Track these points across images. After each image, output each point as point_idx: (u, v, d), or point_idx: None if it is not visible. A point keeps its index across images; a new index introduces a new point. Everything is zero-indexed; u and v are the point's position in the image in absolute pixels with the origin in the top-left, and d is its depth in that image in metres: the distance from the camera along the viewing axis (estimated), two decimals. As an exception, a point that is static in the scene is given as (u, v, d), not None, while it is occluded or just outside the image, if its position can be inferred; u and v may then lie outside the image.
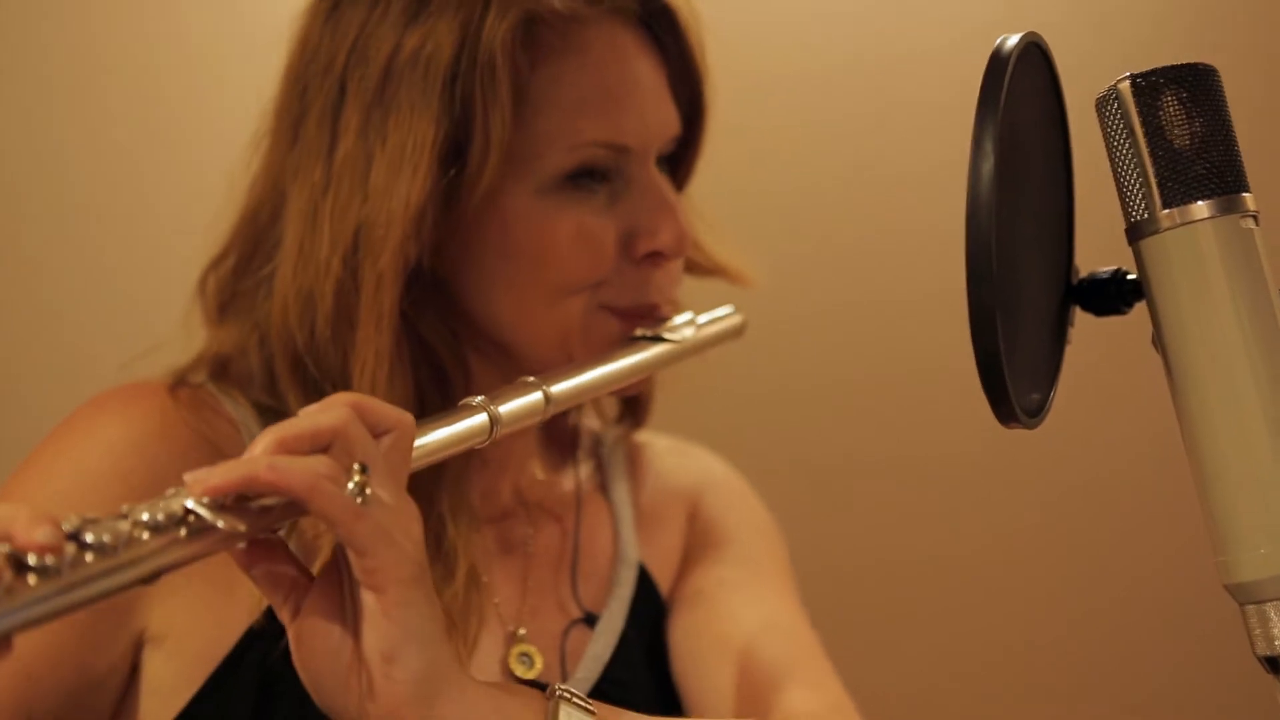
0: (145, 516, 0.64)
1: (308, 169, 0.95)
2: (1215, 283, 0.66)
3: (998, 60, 0.66)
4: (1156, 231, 0.67)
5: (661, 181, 0.99)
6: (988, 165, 0.63)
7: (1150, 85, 0.67)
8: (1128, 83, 0.68)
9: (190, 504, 0.66)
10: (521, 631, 1.01)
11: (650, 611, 1.08)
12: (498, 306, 0.97)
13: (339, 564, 0.73)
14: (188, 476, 0.67)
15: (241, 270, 1.00)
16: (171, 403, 0.95)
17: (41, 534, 0.60)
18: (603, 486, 1.14)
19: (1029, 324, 0.70)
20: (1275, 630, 0.65)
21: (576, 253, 0.95)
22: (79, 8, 1.74)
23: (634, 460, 1.16)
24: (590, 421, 1.17)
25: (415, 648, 0.70)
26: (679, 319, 1.00)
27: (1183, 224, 0.66)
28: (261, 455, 0.68)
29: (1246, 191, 0.67)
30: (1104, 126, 0.69)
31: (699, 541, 1.13)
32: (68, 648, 0.87)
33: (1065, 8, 1.86)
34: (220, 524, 0.66)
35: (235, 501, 0.67)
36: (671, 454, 1.18)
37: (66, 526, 0.61)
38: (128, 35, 1.76)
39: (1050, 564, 1.97)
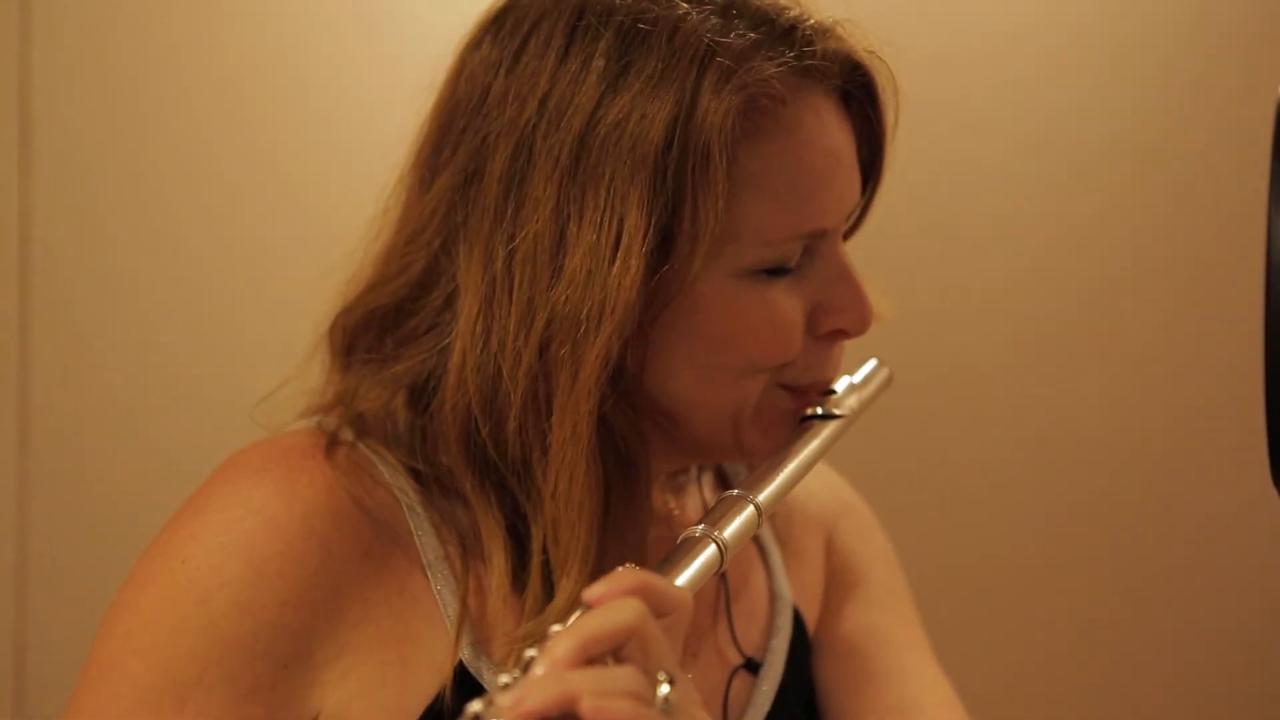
0: None
1: (485, 236, 0.89)
2: None
3: (1289, 106, 0.62)
4: None
5: (848, 258, 0.94)
6: (1290, 224, 0.59)
7: None
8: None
9: None
10: (689, 676, 0.97)
11: (803, 655, 1.06)
12: (677, 385, 0.91)
13: None
14: (501, 699, 0.67)
15: (384, 324, 0.94)
16: (330, 469, 0.89)
17: None
18: None
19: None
20: None
21: (766, 337, 0.90)
22: (114, 20, 1.72)
23: None
24: None
25: None
26: (839, 386, 0.97)
27: None
28: (566, 664, 0.68)
29: None
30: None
31: (837, 578, 1.10)
32: None
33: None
34: None
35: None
36: None
37: None
38: (163, 46, 1.73)
39: (1063, 571, 1.97)
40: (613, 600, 0.72)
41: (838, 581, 1.10)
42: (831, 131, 0.91)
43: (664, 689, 0.70)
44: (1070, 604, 2.00)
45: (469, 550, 0.90)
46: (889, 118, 0.96)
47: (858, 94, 0.94)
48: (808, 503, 1.11)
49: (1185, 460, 2.01)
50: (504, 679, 0.69)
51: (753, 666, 1.01)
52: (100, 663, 0.84)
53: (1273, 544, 1.98)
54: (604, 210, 0.85)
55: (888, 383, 1.03)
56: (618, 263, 0.84)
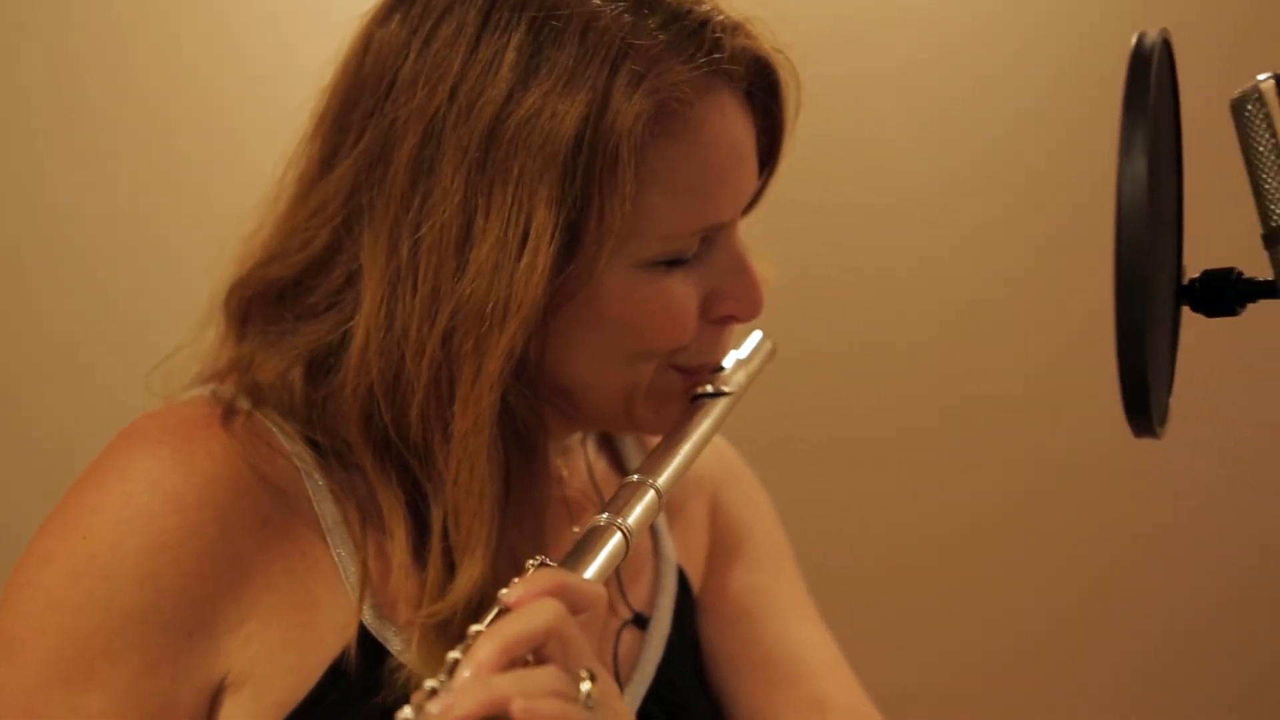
0: None
1: (391, 220, 0.88)
2: (1364, 291, 0.64)
3: (1140, 57, 0.63)
4: (1298, 238, 0.65)
5: (743, 248, 0.96)
6: (1140, 173, 0.61)
7: (1295, 84, 0.64)
8: (1271, 81, 0.65)
9: None
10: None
11: (688, 613, 1.07)
12: (575, 368, 0.92)
13: None
14: (434, 709, 0.70)
15: (283, 297, 0.93)
16: (227, 438, 0.89)
17: None
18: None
19: (1158, 330, 0.68)
20: None
21: (663, 324, 0.92)
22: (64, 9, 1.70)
23: (646, 446, 1.14)
24: None
25: None
26: (728, 363, 0.99)
27: (1328, 231, 0.64)
28: (490, 668, 0.71)
29: (1393, 197, 0.64)
30: (1241, 127, 0.66)
31: (721, 540, 1.12)
32: (151, 700, 0.84)
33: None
34: None
35: None
36: None
37: None
38: (111, 29, 1.71)
39: (1025, 550, 1.99)
40: (530, 602, 0.75)
41: (722, 543, 1.11)
42: (735, 128, 0.92)
43: (586, 685, 0.73)
44: (1030, 586, 2.01)
45: (368, 518, 0.91)
46: (790, 112, 0.96)
47: (761, 90, 0.94)
48: (692, 468, 1.13)
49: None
50: (430, 684, 0.71)
51: (641, 622, 1.03)
52: (4, 640, 0.85)
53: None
54: (512, 205, 0.85)
55: (771, 355, 1.06)
56: (524, 259, 0.85)
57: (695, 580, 1.10)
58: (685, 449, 0.93)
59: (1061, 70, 1.97)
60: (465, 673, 0.71)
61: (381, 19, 0.92)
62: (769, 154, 0.98)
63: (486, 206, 0.86)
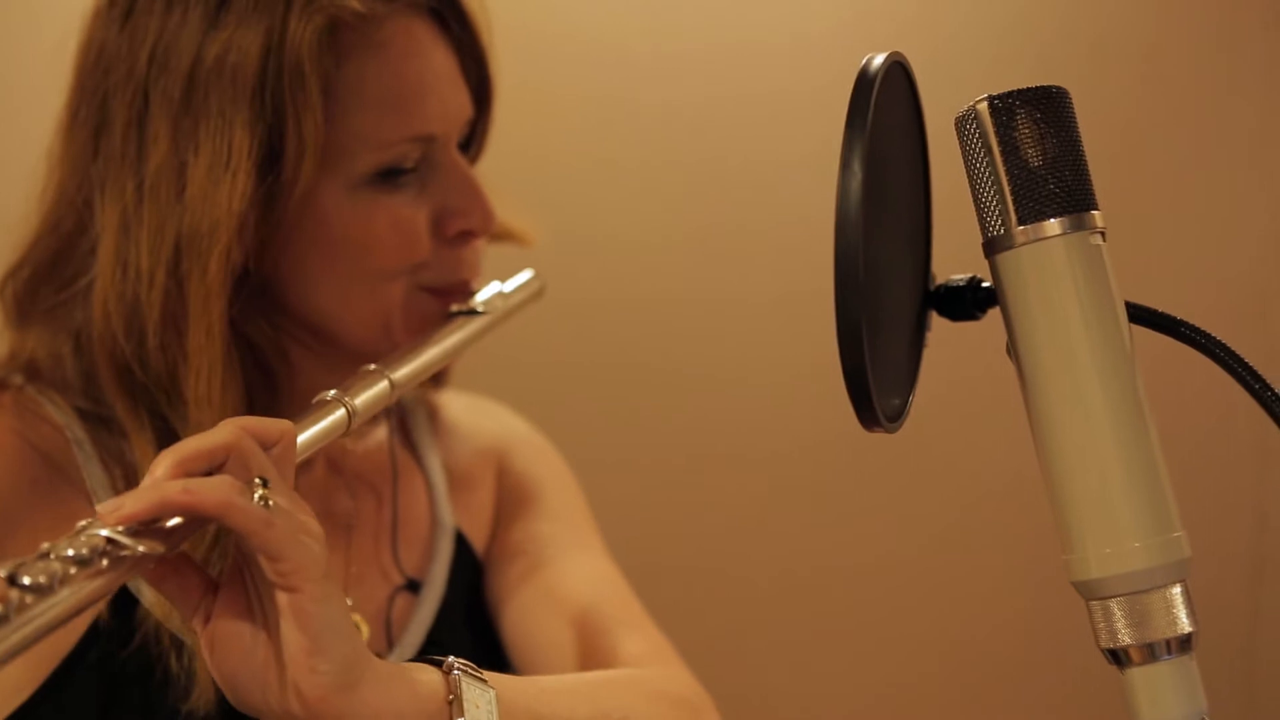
0: (70, 552, 0.67)
1: (116, 180, 0.96)
2: (1065, 297, 0.69)
3: (864, 81, 0.68)
4: (1011, 246, 0.70)
5: (464, 164, 1.04)
6: (855, 184, 0.66)
7: (1006, 106, 0.70)
8: (985, 103, 0.70)
9: (108, 533, 0.69)
10: (348, 601, 1.04)
11: (468, 574, 1.13)
12: (320, 298, 1.00)
13: (242, 570, 0.75)
14: (102, 508, 0.70)
15: (44, 279, 1.00)
16: None
17: None
18: (412, 450, 1.18)
19: (891, 332, 0.73)
20: (1118, 624, 0.69)
21: (393, 241, 0.99)
22: None
23: (436, 421, 1.21)
24: None
25: (335, 639, 0.73)
26: (486, 291, 1.06)
27: (1036, 240, 0.69)
28: (166, 479, 0.71)
29: (1095, 209, 0.70)
30: (963, 144, 0.72)
31: (510, 498, 1.19)
32: None
33: (924, 20, 1.90)
34: (141, 549, 0.69)
35: (145, 524, 0.70)
36: (471, 412, 1.24)
37: (2, 572, 0.64)
38: None
39: (973, 551, 1.98)
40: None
41: (510, 501, 1.19)
42: (424, 48, 1.01)
43: (259, 490, 0.72)
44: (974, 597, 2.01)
45: (132, 481, 0.95)
46: (484, 37, 1.07)
47: (452, 17, 1.04)
48: (477, 434, 1.20)
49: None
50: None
51: (414, 586, 1.09)
52: None
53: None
54: (215, 136, 0.93)
55: (538, 294, 1.12)
56: (227, 178, 0.92)
57: (480, 543, 1.16)
58: (428, 352, 0.98)
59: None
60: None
61: (95, 15, 1.01)
62: (482, 83, 1.08)
63: (194, 144, 0.93)
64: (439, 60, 1.02)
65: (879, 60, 0.69)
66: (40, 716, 0.93)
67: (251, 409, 0.95)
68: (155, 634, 0.93)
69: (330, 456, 1.11)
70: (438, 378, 1.19)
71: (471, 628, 1.12)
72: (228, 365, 0.94)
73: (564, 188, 1.82)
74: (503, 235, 1.15)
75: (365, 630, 1.05)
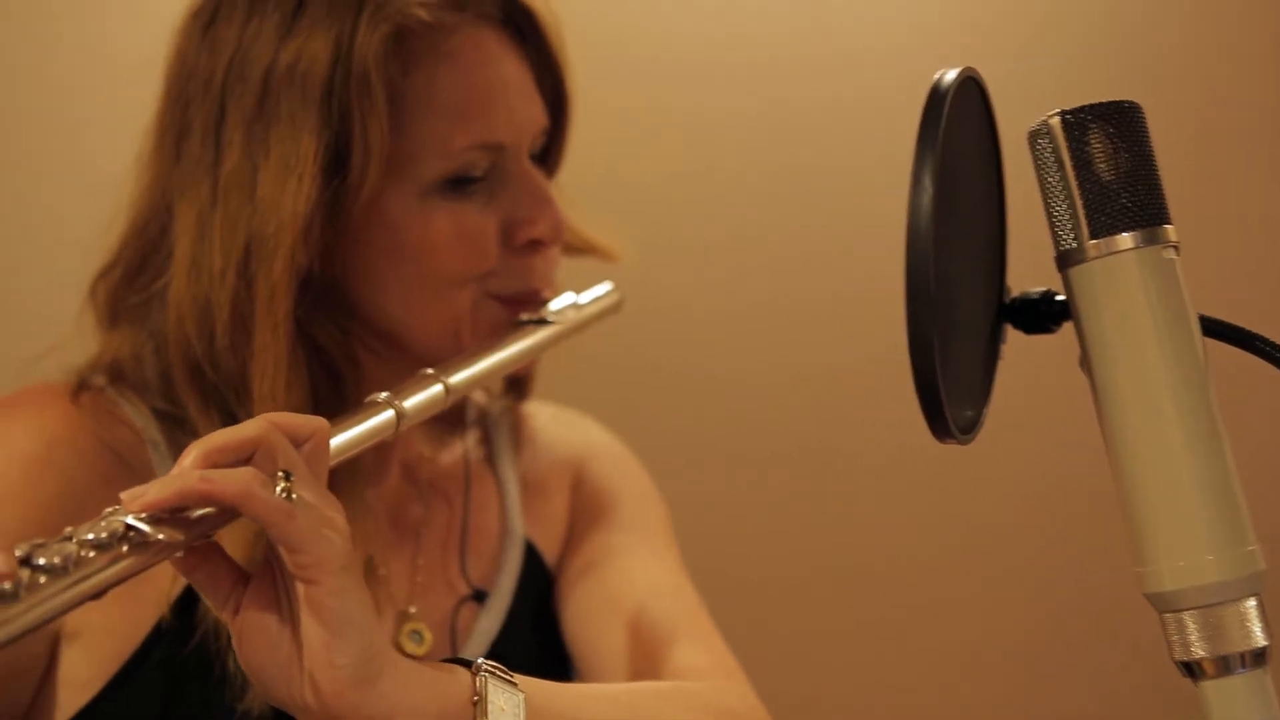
0: (90, 536, 0.68)
1: (194, 184, 0.99)
2: (1138, 310, 0.69)
3: (936, 96, 0.69)
4: (1084, 260, 0.70)
5: (535, 173, 1.05)
6: (926, 198, 0.67)
7: (1079, 121, 0.70)
8: (1058, 118, 0.71)
9: (130, 520, 0.70)
10: (412, 610, 1.07)
11: (537, 585, 1.14)
12: (388, 303, 1.02)
13: (271, 562, 0.76)
14: (124, 495, 0.71)
15: (130, 280, 1.04)
16: (75, 409, 0.99)
17: None
18: (489, 460, 1.19)
19: (964, 343, 0.73)
20: (1191, 637, 0.69)
21: (460, 248, 1.01)
22: None
23: (519, 432, 1.22)
24: (475, 395, 1.22)
25: (353, 633, 0.74)
26: (559, 301, 1.06)
27: (1108, 254, 0.70)
28: (191, 469, 0.72)
29: (1168, 223, 0.70)
30: (1035, 159, 0.72)
31: (584, 509, 1.19)
32: None
33: (996, 38, 1.90)
34: (160, 536, 0.70)
35: (170, 514, 0.71)
36: (555, 423, 1.24)
37: (19, 552, 0.65)
38: (29, 33, 1.74)
39: (1021, 562, 1.99)
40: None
41: (585, 512, 1.19)
42: (495, 58, 1.03)
43: (281, 483, 0.73)
44: (1027, 596, 2.01)
45: None
46: (558, 50, 1.08)
47: (527, 29, 1.06)
48: (557, 445, 1.21)
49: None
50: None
51: (480, 596, 1.11)
52: None
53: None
54: (284, 141, 0.96)
55: (616, 307, 1.12)
56: (293, 182, 0.95)
57: (551, 553, 1.17)
58: (490, 358, 0.98)
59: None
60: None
61: (181, 28, 1.05)
62: (558, 95, 1.09)
63: (266, 149, 0.96)
64: (509, 70, 1.04)
65: (951, 76, 0.70)
66: (105, 713, 0.96)
67: (317, 409, 0.95)
68: (214, 632, 0.95)
69: (407, 464, 1.12)
70: (520, 389, 1.20)
71: (539, 638, 1.12)
72: (292, 365, 0.96)
73: (642, 199, 1.84)
74: (585, 249, 1.15)
75: (429, 638, 1.06)
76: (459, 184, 1.00)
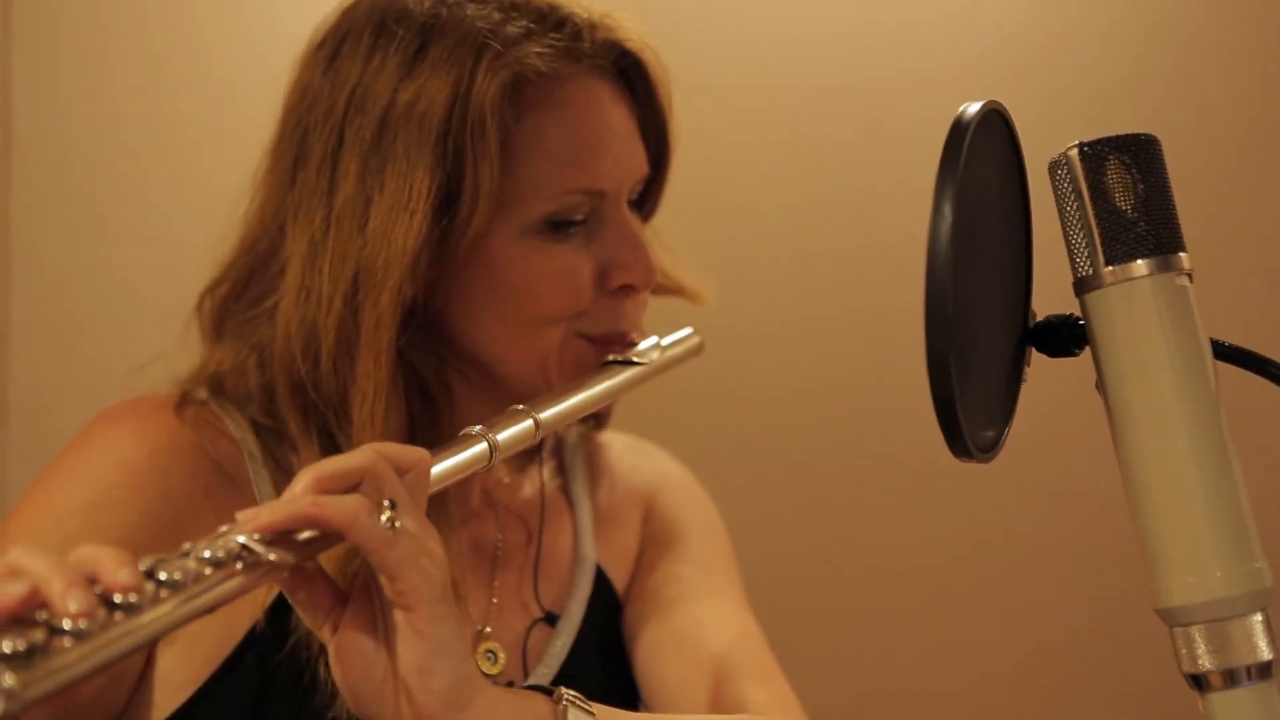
0: (207, 554, 0.72)
1: (308, 210, 1.02)
2: (1151, 335, 0.72)
3: (958, 128, 0.72)
4: (1100, 286, 0.73)
5: (632, 220, 1.08)
6: (945, 225, 0.70)
7: (1096, 153, 0.73)
8: (1076, 150, 0.74)
9: (244, 540, 0.73)
10: (488, 630, 1.10)
11: (606, 610, 1.17)
12: (484, 336, 1.05)
13: (369, 587, 0.80)
14: (240, 515, 0.75)
15: (238, 296, 1.07)
16: (178, 420, 1.03)
17: (125, 575, 0.67)
18: (564, 488, 1.21)
19: (985, 365, 0.76)
20: (1200, 650, 0.71)
21: (557, 288, 1.03)
22: (95, 18, 1.80)
23: (594, 461, 1.24)
24: None
25: (446, 660, 0.78)
26: (645, 343, 1.08)
27: (1123, 280, 0.73)
28: (303, 494, 0.76)
29: (1183, 251, 0.73)
30: (1055, 188, 0.75)
31: (654, 540, 1.22)
32: None
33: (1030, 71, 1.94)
34: (272, 557, 0.74)
35: (280, 535, 0.75)
36: (629, 453, 1.26)
37: (142, 566, 0.69)
38: (143, 43, 1.82)
39: (1040, 571, 2.01)
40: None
41: (655, 542, 1.21)
42: (603, 106, 1.06)
43: (386, 512, 0.77)
44: (1045, 604, 2.03)
45: None
46: (664, 100, 1.11)
47: (637, 79, 1.08)
48: (630, 475, 1.23)
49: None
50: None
51: (551, 619, 1.13)
52: None
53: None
54: (399, 177, 0.99)
55: (697, 350, 1.14)
56: (405, 217, 0.98)
57: (621, 580, 1.19)
58: (578, 396, 1.01)
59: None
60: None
61: (304, 59, 1.08)
62: (660, 144, 1.12)
63: (380, 183, 1.00)
64: (617, 119, 1.06)
65: (974, 109, 0.73)
66: (198, 715, 0.99)
67: (412, 434, 0.99)
68: (306, 640, 0.98)
69: (487, 490, 1.15)
70: (598, 419, 1.23)
71: (605, 662, 1.14)
72: (392, 391, 0.99)
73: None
74: (674, 290, 1.18)
75: (503, 659, 1.09)
76: (559, 226, 1.03)
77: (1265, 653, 0.70)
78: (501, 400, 1.02)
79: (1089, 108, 1.89)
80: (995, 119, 0.76)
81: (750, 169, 2.00)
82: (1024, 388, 0.76)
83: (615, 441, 1.27)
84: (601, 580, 1.17)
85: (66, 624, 0.64)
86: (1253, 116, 1.93)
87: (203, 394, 1.06)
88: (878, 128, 1.97)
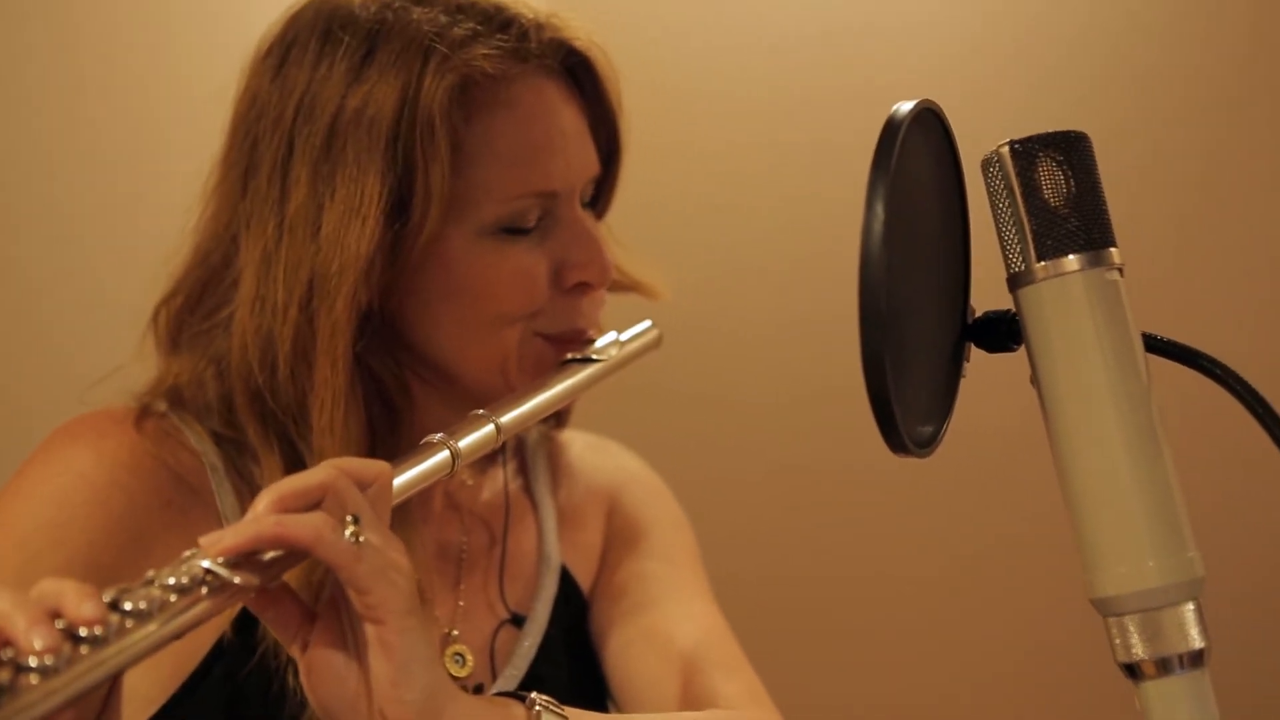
0: (171, 580, 0.72)
1: (260, 219, 1.02)
2: (1083, 329, 0.73)
3: (890, 127, 0.73)
4: (1032, 282, 0.74)
5: (586, 218, 1.08)
6: (877, 224, 0.70)
7: (1027, 150, 0.74)
8: (1007, 147, 0.75)
9: (208, 564, 0.74)
10: (455, 633, 1.10)
11: (572, 610, 1.18)
12: (441, 338, 1.05)
13: (337, 602, 0.81)
14: (203, 540, 0.75)
15: (193, 308, 1.07)
16: (138, 434, 1.03)
17: (88, 608, 0.67)
18: (527, 488, 1.22)
19: (922, 362, 0.77)
20: (1133, 639, 0.72)
21: (513, 288, 1.04)
22: (65, 19, 1.80)
23: (555, 460, 1.25)
24: None
25: (418, 670, 0.78)
26: (603, 340, 1.09)
27: (1055, 275, 0.74)
28: (265, 514, 0.76)
29: (1113, 246, 0.74)
30: (988, 185, 0.76)
31: (618, 537, 1.22)
32: None
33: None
34: (237, 580, 0.74)
35: (244, 557, 0.75)
36: (590, 451, 1.27)
37: (106, 597, 0.69)
38: (115, 46, 1.82)
39: (1039, 571, 2.01)
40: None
41: (618, 540, 1.22)
42: (552, 106, 1.06)
43: (350, 527, 0.77)
44: (1043, 605, 2.02)
45: None
46: (614, 99, 1.11)
47: (585, 78, 1.08)
48: (592, 474, 1.24)
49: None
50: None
51: (518, 621, 1.14)
52: None
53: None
54: (349, 183, 0.99)
55: (655, 343, 1.14)
56: (357, 223, 0.98)
57: (586, 579, 1.20)
58: (539, 397, 1.02)
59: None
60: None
61: (251, 67, 1.08)
62: (611, 142, 1.12)
63: (332, 189, 1.00)
64: (567, 119, 1.06)
65: (906, 108, 0.74)
66: None
67: (373, 439, 1.00)
68: (274, 651, 0.99)
69: (449, 493, 1.16)
70: (559, 418, 1.24)
71: (573, 662, 1.15)
72: (351, 397, 0.99)
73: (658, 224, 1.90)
74: (631, 287, 1.19)
75: (471, 661, 1.09)
76: (513, 225, 1.03)
77: (1197, 641, 0.71)
78: (461, 402, 1.03)
79: (1065, 106, 1.90)
80: (929, 118, 0.77)
81: (736, 171, 2.00)
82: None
83: (576, 440, 1.28)
84: (567, 580, 1.18)
85: (32, 661, 0.64)
86: (1180, 111, 1.95)
87: (162, 406, 1.06)
88: (864, 127, 1.98)
